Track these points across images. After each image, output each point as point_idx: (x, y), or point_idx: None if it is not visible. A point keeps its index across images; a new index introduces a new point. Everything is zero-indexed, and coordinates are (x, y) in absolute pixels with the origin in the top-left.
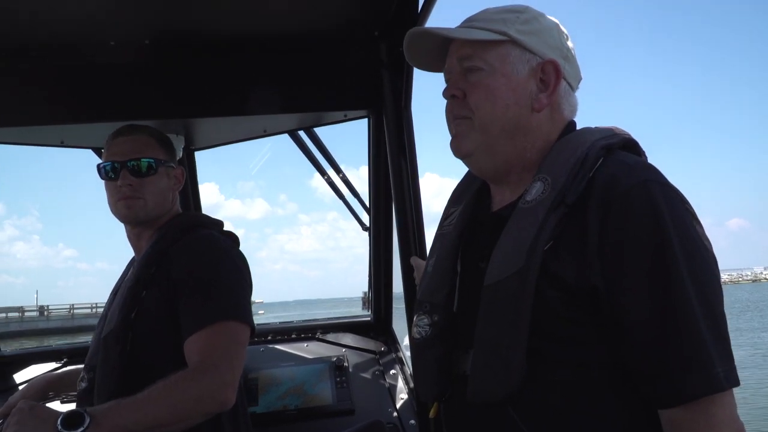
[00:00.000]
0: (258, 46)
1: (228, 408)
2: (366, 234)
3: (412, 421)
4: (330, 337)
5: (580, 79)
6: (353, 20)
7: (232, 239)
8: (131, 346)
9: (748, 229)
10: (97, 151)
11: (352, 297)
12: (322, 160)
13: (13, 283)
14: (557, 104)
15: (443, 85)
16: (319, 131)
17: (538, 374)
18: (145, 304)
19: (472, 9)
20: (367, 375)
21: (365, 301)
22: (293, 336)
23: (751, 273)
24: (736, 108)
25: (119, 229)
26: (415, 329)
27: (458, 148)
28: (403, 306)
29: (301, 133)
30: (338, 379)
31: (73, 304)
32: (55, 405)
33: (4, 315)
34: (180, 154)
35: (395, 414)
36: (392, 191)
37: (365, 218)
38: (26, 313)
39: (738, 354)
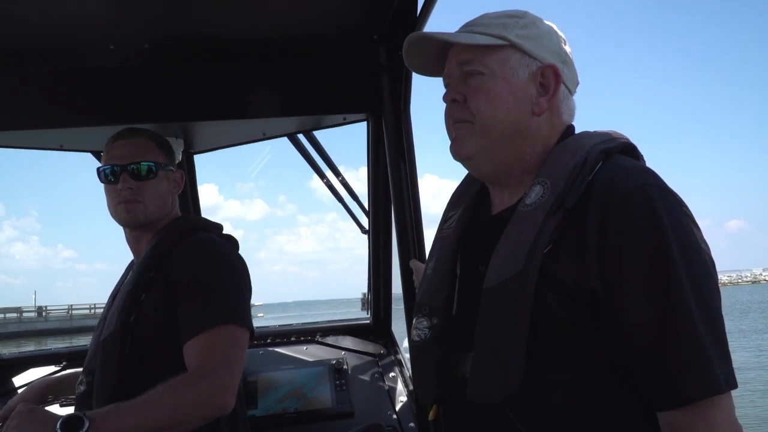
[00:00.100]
0: (257, 49)
1: (227, 412)
2: (365, 236)
3: (412, 424)
4: (329, 339)
5: (578, 83)
6: (352, 24)
7: (232, 242)
8: (130, 350)
9: (748, 231)
10: (97, 155)
11: (351, 298)
12: (321, 163)
13: (12, 283)
14: (556, 108)
15: (442, 86)
16: (319, 132)
17: (537, 376)
18: (144, 308)
19: (471, 12)
20: (366, 378)
21: (364, 302)
22: (292, 339)
23: (751, 274)
24: (736, 109)
25: (118, 230)
26: (414, 332)
27: (458, 152)
28: (402, 307)
29: (300, 137)
30: (338, 382)
31: (71, 305)
32: (55, 408)
33: (2, 316)
34: (179, 157)
35: (395, 417)
36: (391, 194)
37: (364, 221)
38: (24, 314)
39: (743, 356)
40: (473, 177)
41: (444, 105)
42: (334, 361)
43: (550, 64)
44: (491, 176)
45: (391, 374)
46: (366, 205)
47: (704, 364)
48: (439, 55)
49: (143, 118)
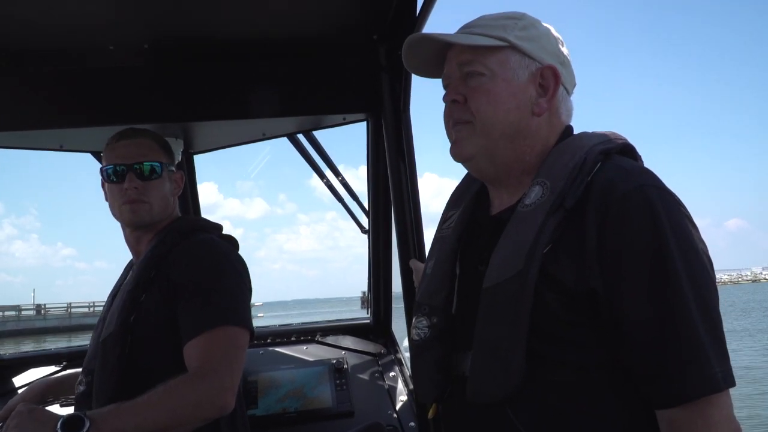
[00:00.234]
0: (257, 49)
1: (227, 412)
2: (365, 236)
3: (412, 423)
4: (329, 339)
5: (575, 84)
6: (352, 24)
7: (232, 243)
8: (130, 350)
9: (747, 230)
10: (96, 155)
11: (351, 297)
12: (321, 163)
13: (12, 282)
14: (555, 109)
15: (442, 86)
16: (318, 131)
17: (537, 376)
18: (144, 308)
19: (470, 12)
20: (366, 377)
21: (364, 301)
22: (293, 338)
23: (751, 273)
24: (736, 108)
25: (118, 229)
26: (414, 331)
27: (459, 153)
28: (402, 305)
29: (300, 137)
30: (338, 382)
31: (70, 303)
32: (55, 408)
33: (0, 314)
34: (179, 157)
35: (395, 416)
36: (391, 194)
37: (364, 221)
38: (23, 312)
39: (750, 356)
40: (472, 176)
41: (443, 106)
42: (334, 361)
43: (549, 65)
44: (491, 176)
45: (392, 374)
46: (366, 205)
47: (703, 362)
48: (439, 57)
49: (143, 119)
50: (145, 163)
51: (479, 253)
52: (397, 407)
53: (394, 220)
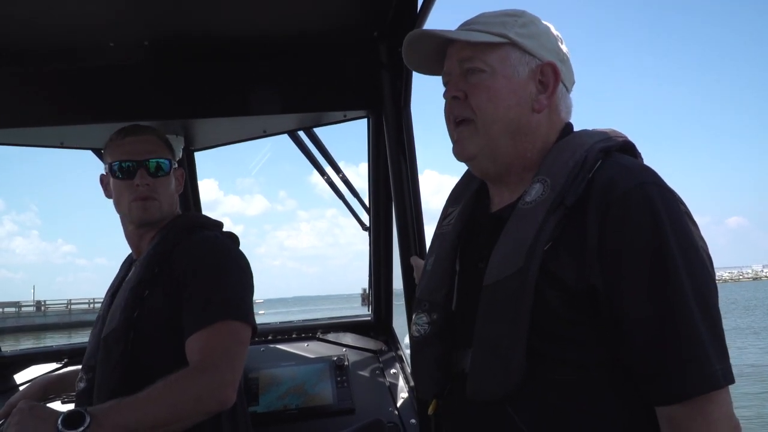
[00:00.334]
0: (258, 46)
1: (228, 407)
2: (366, 233)
3: (413, 420)
4: (330, 336)
5: (574, 82)
6: (352, 21)
7: (233, 240)
8: (132, 346)
9: (747, 228)
10: (97, 152)
11: (351, 294)
12: (321, 160)
13: (12, 278)
14: (555, 106)
15: (443, 82)
16: (319, 128)
17: (537, 374)
18: (148, 305)
19: (471, 10)
20: (367, 374)
21: (364, 298)
22: (294, 336)
23: (752, 271)
24: (736, 107)
25: (118, 225)
26: (414, 327)
27: (461, 152)
28: (403, 303)
29: (301, 133)
30: (339, 379)
31: (70, 300)
32: (56, 405)
33: (0, 310)
34: (180, 154)
35: (396, 413)
36: (392, 191)
37: (365, 218)
38: (23, 309)
39: (757, 354)
40: (473, 174)
41: (443, 103)
42: (335, 358)
43: (549, 62)
44: (493, 175)
45: (392, 371)
46: (366, 202)
47: (703, 360)
48: (439, 54)
49: (144, 116)
50: (155, 160)
51: (479, 250)
52: (398, 404)
53: (395, 217)
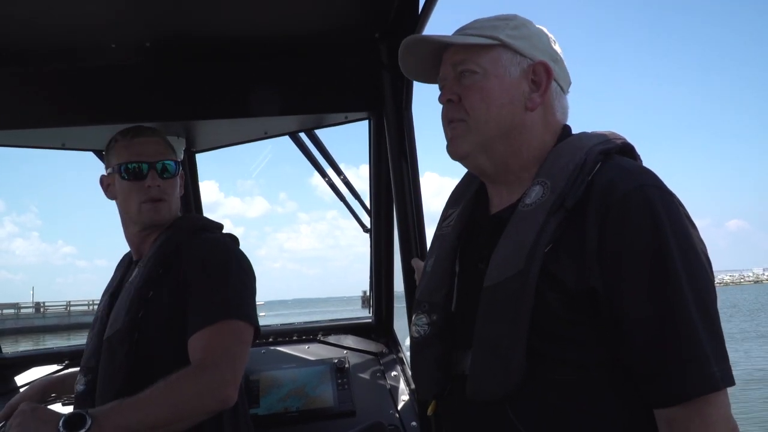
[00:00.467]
0: (259, 48)
1: (229, 406)
2: (367, 235)
3: (414, 423)
4: (331, 338)
5: (570, 82)
6: (354, 22)
7: (234, 241)
8: (136, 347)
9: (748, 230)
10: (99, 154)
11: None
12: (322, 161)
13: (12, 279)
14: (549, 104)
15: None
16: (319, 130)
17: (537, 374)
18: (152, 305)
19: (472, 10)
20: (368, 377)
21: (365, 300)
22: (294, 338)
23: (753, 274)
24: (736, 109)
25: (118, 226)
26: (413, 328)
27: (455, 151)
28: (404, 306)
29: (302, 135)
30: (339, 381)
31: (69, 301)
32: (56, 407)
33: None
34: (181, 156)
35: (397, 415)
36: (393, 193)
37: (366, 220)
38: (22, 310)
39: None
40: (472, 176)
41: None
42: (335, 360)
43: (540, 61)
44: (489, 173)
45: (393, 373)
46: (368, 204)
47: (702, 361)
48: (436, 62)
49: (145, 117)
50: (165, 162)
51: (479, 251)
52: (399, 407)
53: (396, 218)
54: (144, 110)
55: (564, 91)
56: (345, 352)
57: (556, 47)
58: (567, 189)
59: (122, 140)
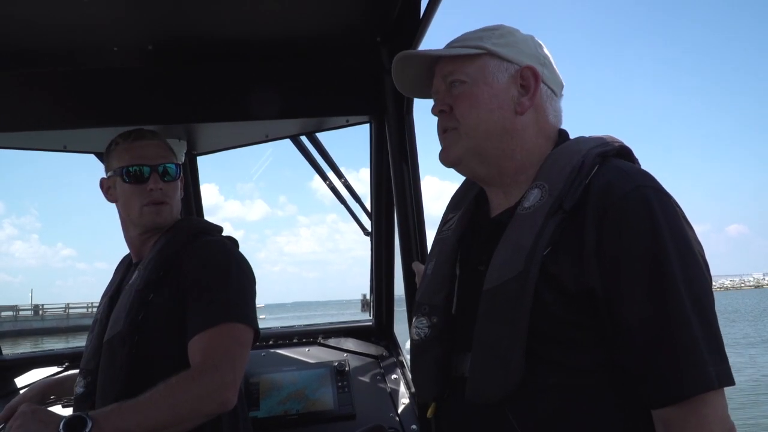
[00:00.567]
0: (261, 51)
1: (229, 408)
2: (367, 238)
3: (414, 426)
4: (331, 341)
5: (562, 85)
6: (355, 26)
7: (234, 244)
8: (136, 349)
9: (748, 236)
10: (100, 156)
11: (351, 299)
12: (323, 164)
13: (11, 282)
14: (541, 107)
15: None
16: (320, 133)
17: (536, 376)
18: (153, 308)
19: (473, 14)
20: (368, 380)
21: (364, 304)
22: (294, 340)
23: (753, 279)
24: (736, 114)
25: (118, 229)
26: (414, 330)
27: (447, 157)
28: (404, 309)
29: (303, 138)
30: (339, 384)
31: (68, 304)
32: (56, 409)
33: None
34: (182, 158)
35: (397, 419)
36: (394, 196)
37: (367, 223)
38: (21, 312)
39: None
40: (472, 180)
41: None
42: (336, 363)
43: (527, 66)
44: (484, 176)
45: (393, 376)
46: (368, 207)
47: (697, 361)
48: (430, 76)
49: (147, 120)
50: (167, 165)
51: (479, 254)
52: (399, 410)
53: (396, 222)
54: (146, 113)
55: (556, 94)
56: (345, 355)
57: (545, 51)
58: (565, 191)
59: (123, 143)
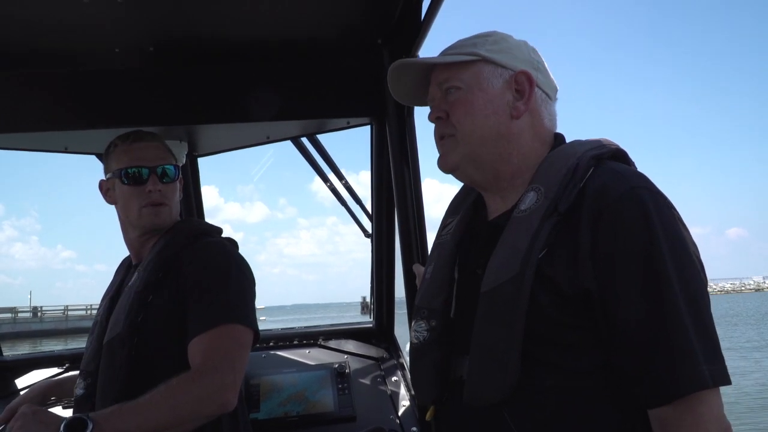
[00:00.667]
0: (262, 53)
1: (229, 410)
2: (368, 240)
3: (414, 428)
4: (332, 343)
5: (556, 89)
6: (356, 28)
7: (233, 245)
8: (136, 351)
9: (748, 239)
10: (101, 157)
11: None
12: (324, 166)
13: (11, 284)
14: (536, 111)
15: None
16: (320, 135)
17: (533, 378)
18: (152, 309)
19: (474, 16)
20: (368, 381)
21: (364, 306)
22: (295, 342)
23: (753, 282)
24: (736, 117)
25: (118, 231)
26: (413, 334)
27: (445, 164)
28: (404, 311)
29: (304, 140)
30: (340, 386)
31: (67, 306)
32: (56, 410)
33: None
34: (183, 160)
35: (397, 421)
36: (395, 199)
37: (368, 225)
38: (19, 314)
39: None
40: (470, 186)
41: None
42: (336, 365)
43: (522, 71)
44: (481, 181)
45: (394, 378)
46: (369, 209)
47: (691, 360)
48: (425, 87)
49: (148, 121)
50: (165, 166)
51: (477, 258)
52: (400, 412)
53: (397, 224)
54: (147, 114)
55: (550, 98)
56: (345, 356)
57: (538, 56)
58: (560, 194)
59: (122, 145)
